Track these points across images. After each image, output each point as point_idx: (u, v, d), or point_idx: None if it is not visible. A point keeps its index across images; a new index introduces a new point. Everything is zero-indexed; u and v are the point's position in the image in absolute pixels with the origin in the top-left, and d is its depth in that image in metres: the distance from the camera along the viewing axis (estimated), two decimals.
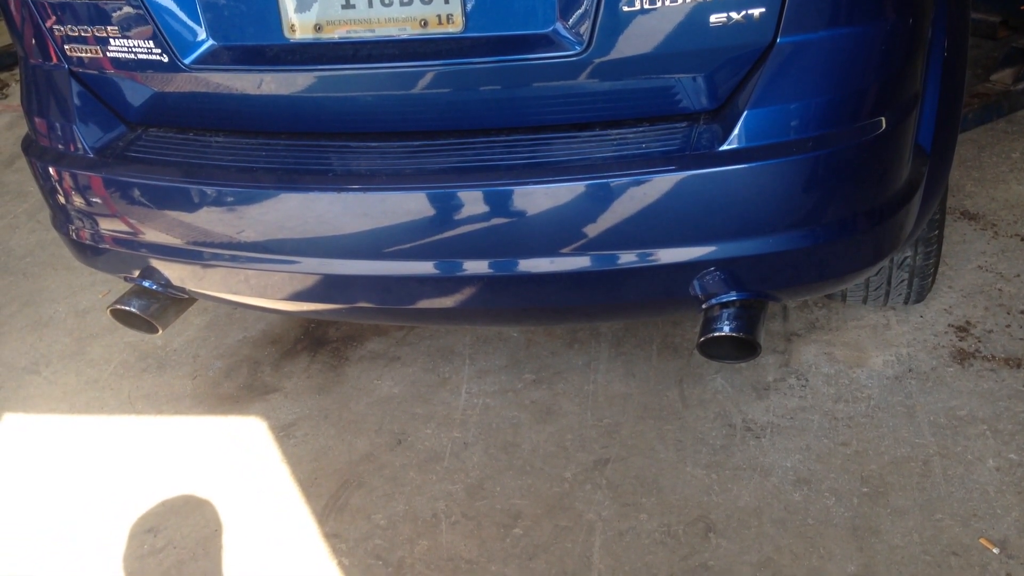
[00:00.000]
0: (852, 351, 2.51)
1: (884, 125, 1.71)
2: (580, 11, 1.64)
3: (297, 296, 2.01)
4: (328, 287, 1.95)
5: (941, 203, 2.25)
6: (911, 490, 2.08)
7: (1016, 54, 3.72)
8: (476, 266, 1.82)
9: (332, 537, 2.17)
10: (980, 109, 3.50)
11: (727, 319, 1.84)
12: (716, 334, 1.82)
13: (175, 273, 2.06)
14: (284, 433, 2.50)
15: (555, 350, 2.66)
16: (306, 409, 2.57)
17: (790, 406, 2.36)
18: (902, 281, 2.40)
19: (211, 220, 1.91)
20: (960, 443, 2.18)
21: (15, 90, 5.43)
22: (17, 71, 5.74)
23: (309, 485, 2.32)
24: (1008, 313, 2.57)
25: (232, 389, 2.69)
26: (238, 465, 2.42)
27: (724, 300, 1.86)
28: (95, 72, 1.95)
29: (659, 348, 2.62)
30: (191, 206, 1.91)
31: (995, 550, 1.92)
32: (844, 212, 1.76)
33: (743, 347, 1.87)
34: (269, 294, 2.03)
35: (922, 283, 2.44)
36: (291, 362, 2.76)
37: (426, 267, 1.83)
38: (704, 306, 1.88)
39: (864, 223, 1.80)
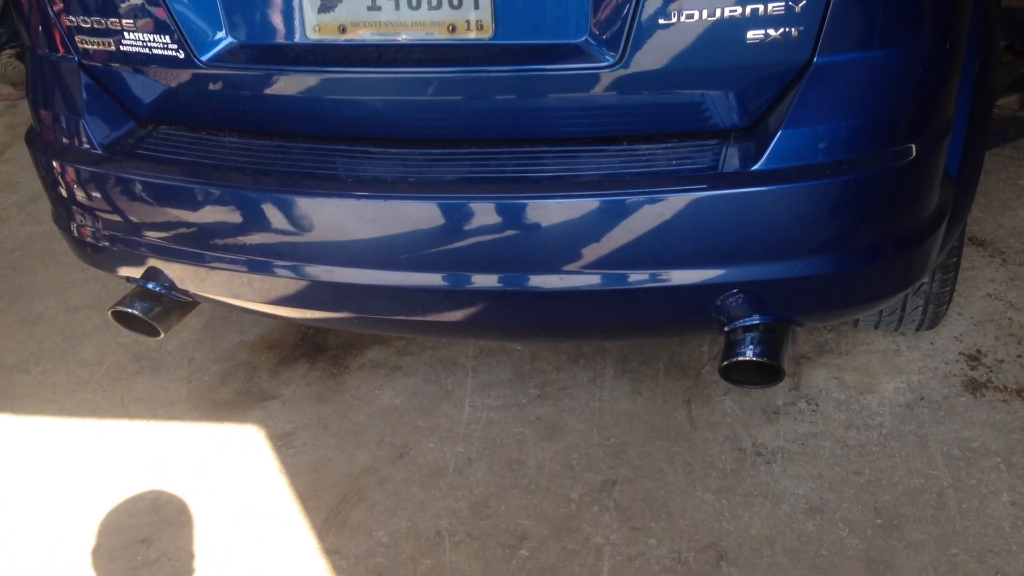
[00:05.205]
0: (863, 376, 2.47)
1: (920, 149, 1.68)
2: (614, 22, 1.59)
3: (309, 304, 1.94)
4: (346, 296, 1.89)
5: (961, 230, 2.22)
6: (926, 523, 2.04)
7: (1022, 80, 3.70)
8: (498, 281, 1.76)
9: (332, 553, 2.10)
10: None
11: (751, 343, 1.79)
12: (739, 359, 1.78)
13: (181, 276, 1.99)
14: (282, 442, 2.43)
15: (560, 365, 2.61)
16: (305, 418, 2.51)
17: (801, 431, 2.31)
18: (917, 307, 2.37)
19: (223, 223, 1.85)
20: (974, 476, 2.15)
21: None
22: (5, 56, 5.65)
23: (308, 498, 2.25)
24: (1019, 343, 2.54)
25: (228, 395, 2.62)
26: (235, 474, 2.35)
27: (747, 324, 1.81)
28: (106, 66, 1.89)
29: (666, 366, 2.57)
30: (202, 208, 1.85)
31: None
32: (876, 238, 1.72)
33: (766, 373, 1.82)
34: (279, 301, 1.96)
35: (936, 310, 2.41)
36: (289, 369, 2.70)
37: (448, 280, 1.77)
38: (726, 329, 1.84)
39: (894, 250, 1.76)
